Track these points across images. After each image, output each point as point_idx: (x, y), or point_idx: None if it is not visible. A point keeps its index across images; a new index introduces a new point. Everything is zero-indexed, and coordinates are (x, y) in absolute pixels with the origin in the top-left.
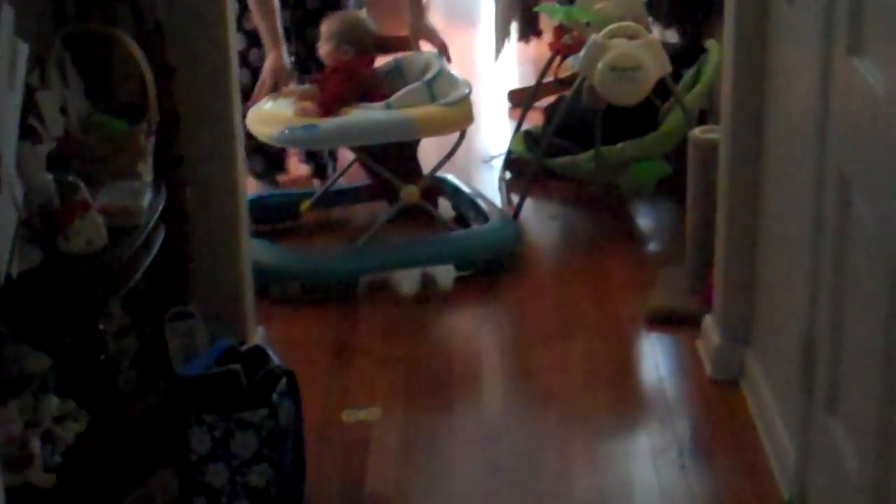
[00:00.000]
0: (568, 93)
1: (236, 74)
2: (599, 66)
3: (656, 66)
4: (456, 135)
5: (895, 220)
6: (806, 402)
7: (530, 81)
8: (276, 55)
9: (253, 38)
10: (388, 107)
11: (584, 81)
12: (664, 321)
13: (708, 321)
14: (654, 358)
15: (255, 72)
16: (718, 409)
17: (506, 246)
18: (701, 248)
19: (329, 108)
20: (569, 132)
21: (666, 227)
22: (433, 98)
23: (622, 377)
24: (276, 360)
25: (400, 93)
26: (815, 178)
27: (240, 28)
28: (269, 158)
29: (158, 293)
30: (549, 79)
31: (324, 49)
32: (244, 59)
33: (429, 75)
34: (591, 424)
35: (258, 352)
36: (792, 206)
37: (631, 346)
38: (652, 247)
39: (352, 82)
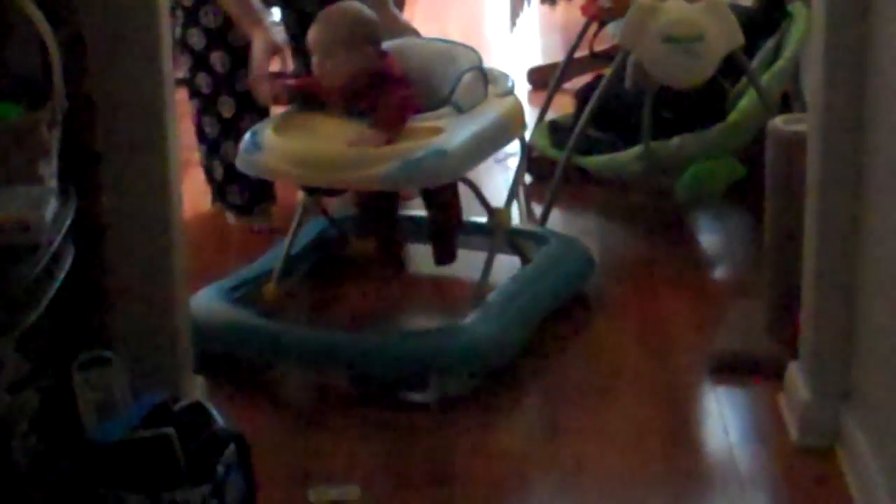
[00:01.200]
0: (607, 71)
1: (169, 45)
2: (649, 35)
3: (723, 37)
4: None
5: None
6: None
7: (557, 57)
8: (262, 30)
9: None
10: (459, 109)
11: (629, 56)
12: (735, 371)
13: (793, 370)
14: (723, 419)
15: (234, 52)
16: (808, 486)
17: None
18: (784, 274)
19: (398, 127)
20: (608, 122)
21: (737, 248)
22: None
23: (679, 444)
24: (221, 420)
25: (462, 89)
26: None
27: None
28: (251, 186)
29: (65, 333)
30: (581, 53)
31: (334, 62)
32: (222, 37)
33: (469, 63)
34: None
35: (198, 410)
36: None
37: (691, 404)
38: (719, 273)
39: (411, 87)
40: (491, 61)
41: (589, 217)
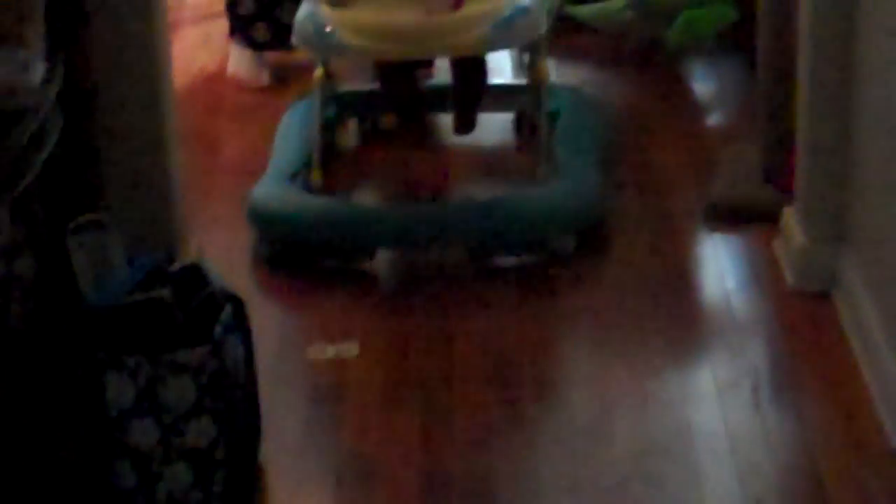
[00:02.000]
0: None
1: None
2: None
3: None
4: None
5: None
6: None
7: None
8: None
9: None
10: None
11: None
12: (731, 217)
13: (788, 216)
14: (719, 265)
15: None
16: (804, 329)
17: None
18: (778, 118)
19: None
20: None
21: (731, 93)
22: None
23: (677, 291)
24: (217, 281)
25: None
26: None
27: None
28: (273, 24)
29: (59, 199)
30: None
31: None
32: None
33: None
34: (639, 352)
35: (194, 272)
36: None
37: (688, 251)
38: (713, 120)
39: None
40: None
41: (582, 66)
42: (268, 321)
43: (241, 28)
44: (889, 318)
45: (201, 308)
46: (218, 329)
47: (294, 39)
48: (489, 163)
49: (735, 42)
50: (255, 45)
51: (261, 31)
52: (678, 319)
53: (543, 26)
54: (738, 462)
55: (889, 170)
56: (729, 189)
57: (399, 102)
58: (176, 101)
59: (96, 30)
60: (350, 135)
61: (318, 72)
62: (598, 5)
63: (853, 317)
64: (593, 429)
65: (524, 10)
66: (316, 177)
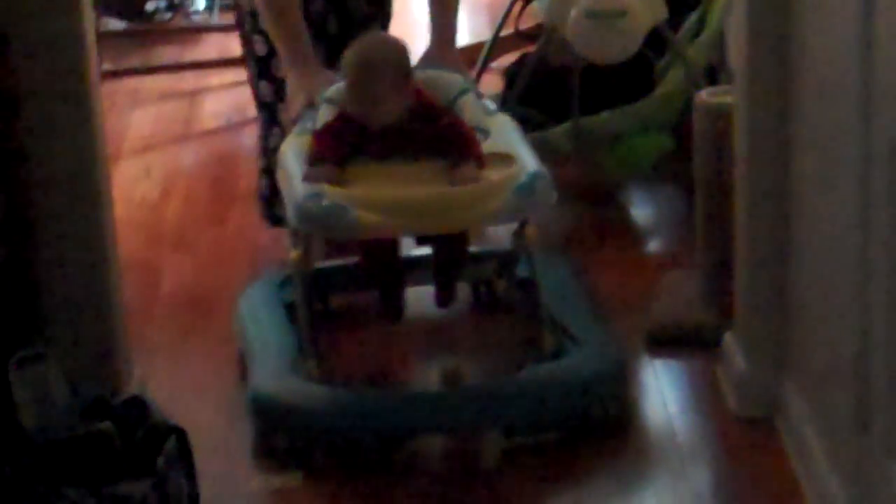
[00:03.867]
0: (534, 48)
1: (93, 41)
2: (573, 12)
3: (647, 11)
4: None
5: None
6: (861, 444)
7: (484, 36)
8: (299, 76)
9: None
10: (486, 133)
11: (554, 33)
12: (672, 342)
13: (729, 341)
14: (661, 391)
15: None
16: (747, 455)
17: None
18: (716, 245)
19: (481, 153)
20: (537, 99)
21: (670, 220)
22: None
23: (618, 420)
24: (159, 413)
25: (474, 113)
26: (862, 151)
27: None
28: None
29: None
30: (507, 31)
31: (386, 107)
32: (265, 69)
33: (457, 87)
34: (579, 482)
35: (136, 404)
36: (833, 188)
37: (629, 376)
38: (652, 246)
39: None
40: (416, 39)
41: None
42: (208, 453)
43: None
44: (831, 445)
45: (144, 440)
46: (160, 461)
47: (294, 222)
48: (459, 336)
49: (673, 170)
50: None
51: None
52: (619, 446)
53: (556, 192)
54: None
55: (826, 296)
56: (670, 314)
57: (382, 279)
58: (117, 231)
59: (35, 163)
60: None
61: (295, 253)
62: (537, 133)
63: (796, 442)
64: None
65: (541, 175)
66: (312, 366)
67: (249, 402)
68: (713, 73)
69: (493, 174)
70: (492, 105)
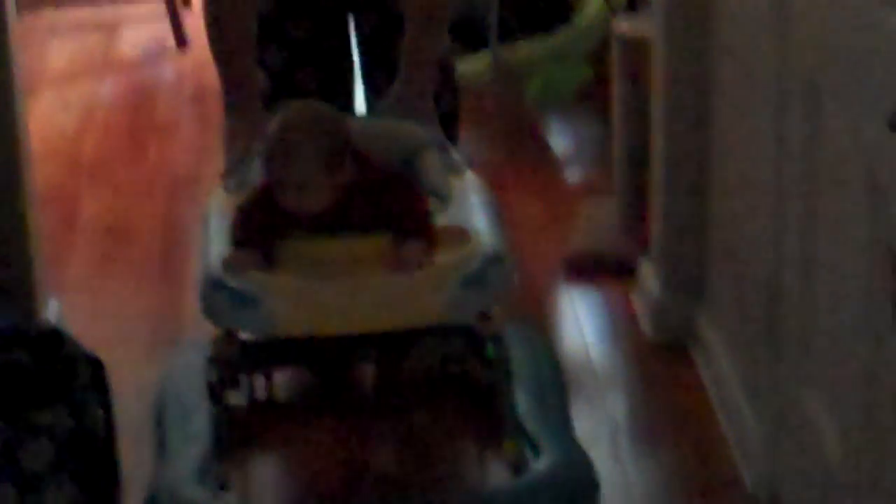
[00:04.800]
0: None
1: None
2: None
3: None
4: None
5: (878, 152)
6: (774, 369)
7: None
8: (242, 118)
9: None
10: (443, 199)
11: None
12: (589, 270)
13: (645, 269)
14: (578, 318)
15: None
16: (662, 380)
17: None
18: (634, 174)
19: (432, 231)
20: (456, 31)
21: (588, 150)
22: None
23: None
24: (76, 345)
25: (433, 176)
26: (777, 86)
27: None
28: None
29: None
30: None
31: (314, 192)
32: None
33: (415, 141)
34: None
35: (52, 334)
36: (748, 120)
37: (547, 304)
38: (571, 176)
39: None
40: None
41: None
42: (125, 382)
43: None
44: (743, 369)
45: (60, 370)
46: (76, 389)
47: (201, 307)
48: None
49: (592, 100)
50: None
51: None
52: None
53: (513, 277)
54: None
55: (741, 225)
56: (587, 242)
57: (323, 359)
58: (34, 162)
59: None
60: (238, 395)
61: (217, 331)
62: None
63: (709, 367)
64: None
65: (495, 260)
66: (227, 477)
67: None
68: (632, 3)
69: (439, 259)
70: (458, 160)
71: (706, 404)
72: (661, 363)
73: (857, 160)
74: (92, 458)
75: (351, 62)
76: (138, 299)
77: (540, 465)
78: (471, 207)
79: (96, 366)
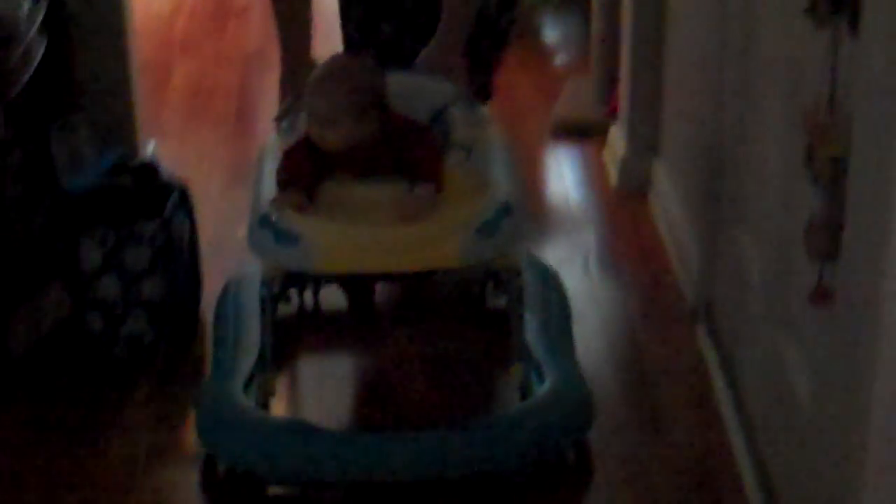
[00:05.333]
0: None
1: None
2: None
3: None
4: None
5: (796, 40)
6: (713, 210)
7: None
8: (293, 70)
9: None
10: (468, 151)
11: None
12: (570, 133)
13: (614, 132)
14: (560, 170)
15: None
16: (624, 220)
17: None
18: (607, 58)
19: (442, 175)
20: None
21: (572, 39)
22: None
23: (528, 189)
24: (168, 174)
25: (460, 128)
26: None
27: None
28: None
29: (42, 105)
30: None
31: (336, 131)
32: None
33: (443, 96)
34: None
35: (149, 166)
36: (697, 14)
37: (536, 160)
38: (558, 59)
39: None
40: None
41: None
42: (206, 206)
43: None
44: (689, 210)
45: (155, 193)
46: (168, 208)
47: (248, 242)
48: (430, 361)
49: (576, 3)
50: None
51: None
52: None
53: (527, 228)
54: (574, 314)
55: (689, 94)
56: (569, 111)
57: (349, 288)
58: (137, 37)
59: None
60: (290, 305)
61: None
62: None
63: (662, 209)
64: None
65: (509, 209)
66: (272, 385)
67: (196, 421)
68: None
69: (456, 209)
70: (483, 114)
71: (659, 238)
72: (624, 206)
73: (781, 44)
74: (179, 262)
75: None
76: (216, 146)
77: (543, 390)
78: (491, 160)
79: (184, 191)
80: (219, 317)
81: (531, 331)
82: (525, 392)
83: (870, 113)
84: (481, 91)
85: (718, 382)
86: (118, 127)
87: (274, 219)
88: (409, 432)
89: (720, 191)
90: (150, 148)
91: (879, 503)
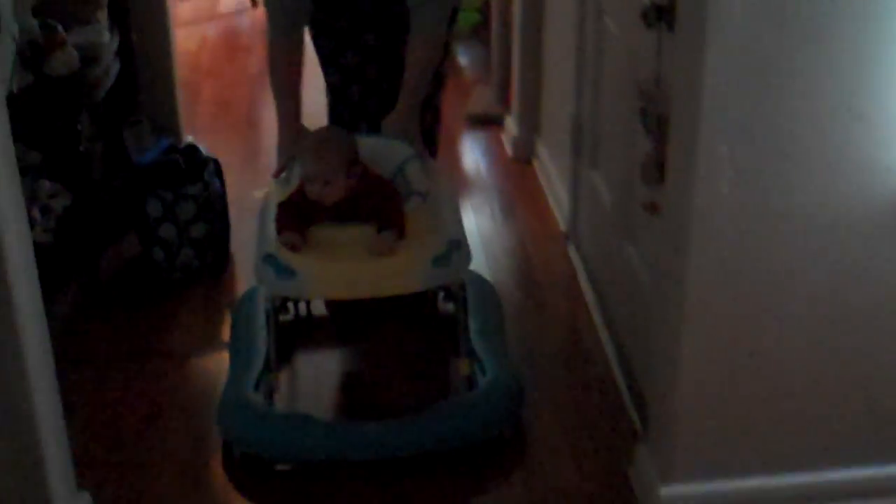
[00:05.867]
0: None
1: None
2: None
3: None
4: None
5: (633, 38)
6: (576, 164)
7: None
8: (288, 132)
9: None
10: (423, 196)
11: None
12: (479, 123)
13: (509, 121)
14: (472, 148)
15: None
16: (518, 179)
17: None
18: (503, 70)
19: (403, 224)
20: None
21: (478, 60)
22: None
23: (452, 162)
24: (205, 152)
25: (417, 179)
26: (579, 11)
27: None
28: None
29: (117, 109)
30: None
31: (335, 187)
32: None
33: (403, 154)
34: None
35: (191, 148)
36: (563, 34)
37: (456, 141)
38: (468, 75)
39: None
40: None
41: None
42: (230, 176)
43: None
44: (560, 167)
45: (197, 166)
46: (206, 174)
47: (255, 275)
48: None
49: (479, 33)
50: None
51: None
52: (452, 178)
53: (471, 259)
54: (485, 244)
55: (559, 84)
56: (478, 108)
57: (333, 309)
58: (178, 66)
59: (132, 17)
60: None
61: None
62: None
63: (543, 171)
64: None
65: (457, 244)
66: (271, 382)
67: (216, 418)
68: None
69: (417, 245)
70: (433, 167)
71: (541, 190)
72: (516, 171)
73: (623, 40)
74: (215, 212)
75: (384, 85)
76: (234, 138)
77: (484, 381)
78: (441, 203)
79: (216, 164)
80: (233, 327)
81: (474, 332)
82: (472, 384)
83: (682, 84)
84: (428, 137)
85: (583, 280)
86: (167, 125)
87: (276, 257)
88: (384, 419)
89: (581, 148)
90: (189, 137)
91: (692, 349)
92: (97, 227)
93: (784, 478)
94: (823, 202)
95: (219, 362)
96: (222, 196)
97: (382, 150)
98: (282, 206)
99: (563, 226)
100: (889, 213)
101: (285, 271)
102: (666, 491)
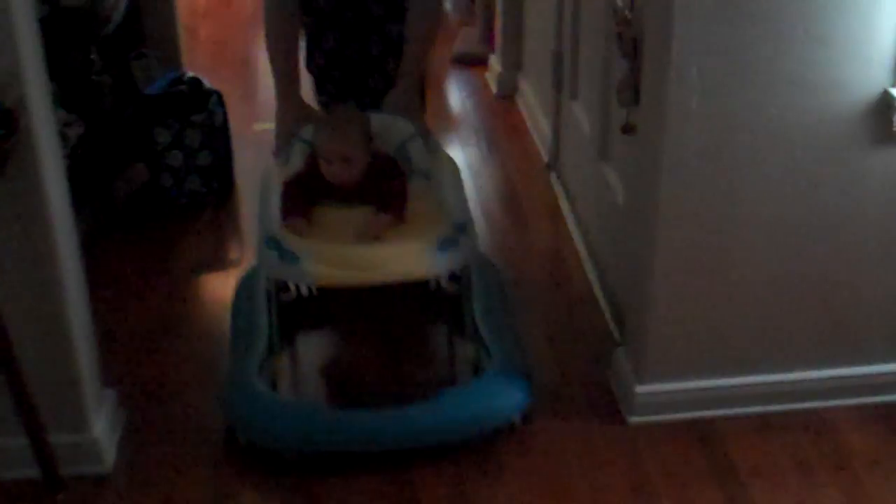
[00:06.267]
0: None
1: None
2: None
3: None
4: None
5: None
6: (557, 96)
7: None
8: (288, 105)
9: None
10: (426, 177)
11: None
12: (465, 62)
13: (493, 59)
14: (459, 87)
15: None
16: (502, 114)
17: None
18: (487, 12)
19: (404, 208)
20: None
21: (463, 4)
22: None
23: (438, 102)
24: (208, 84)
25: (418, 159)
26: None
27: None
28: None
29: (124, 42)
30: None
31: (353, 166)
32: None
33: (405, 131)
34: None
35: (196, 80)
36: None
37: (444, 81)
38: (455, 18)
39: (398, 165)
40: None
41: None
42: (231, 108)
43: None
44: (541, 100)
45: (202, 97)
46: (210, 104)
47: (257, 262)
48: (404, 344)
49: None
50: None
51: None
52: (438, 115)
53: (477, 239)
54: (473, 175)
55: (540, 22)
56: (463, 48)
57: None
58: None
59: None
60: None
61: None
62: None
63: (525, 106)
64: None
65: (463, 227)
66: (277, 365)
67: (217, 400)
68: None
69: (419, 229)
70: (437, 144)
71: (524, 123)
72: (501, 106)
73: None
74: (219, 141)
75: (370, 68)
76: (231, 74)
77: (490, 366)
78: (446, 184)
79: (219, 95)
80: (235, 306)
81: (478, 312)
82: (477, 368)
83: (655, 8)
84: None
85: (564, 203)
86: (170, 61)
87: (279, 241)
88: (392, 406)
89: (561, 82)
90: (191, 70)
91: (663, 259)
92: (109, 155)
93: (747, 378)
94: (785, 116)
95: (224, 279)
96: (225, 125)
97: (385, 127)
98: (288, 186)
99: (545, 157)
100: (844, 126)
101: (289, 256)
102: (641, 389)
